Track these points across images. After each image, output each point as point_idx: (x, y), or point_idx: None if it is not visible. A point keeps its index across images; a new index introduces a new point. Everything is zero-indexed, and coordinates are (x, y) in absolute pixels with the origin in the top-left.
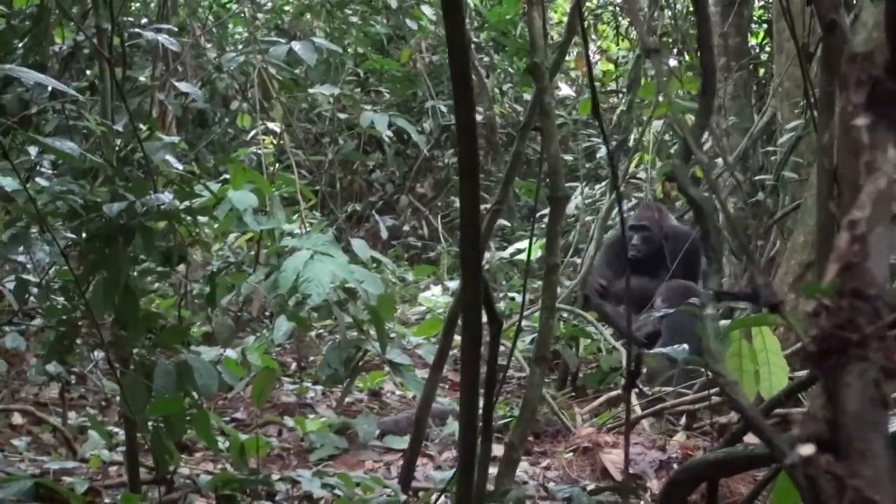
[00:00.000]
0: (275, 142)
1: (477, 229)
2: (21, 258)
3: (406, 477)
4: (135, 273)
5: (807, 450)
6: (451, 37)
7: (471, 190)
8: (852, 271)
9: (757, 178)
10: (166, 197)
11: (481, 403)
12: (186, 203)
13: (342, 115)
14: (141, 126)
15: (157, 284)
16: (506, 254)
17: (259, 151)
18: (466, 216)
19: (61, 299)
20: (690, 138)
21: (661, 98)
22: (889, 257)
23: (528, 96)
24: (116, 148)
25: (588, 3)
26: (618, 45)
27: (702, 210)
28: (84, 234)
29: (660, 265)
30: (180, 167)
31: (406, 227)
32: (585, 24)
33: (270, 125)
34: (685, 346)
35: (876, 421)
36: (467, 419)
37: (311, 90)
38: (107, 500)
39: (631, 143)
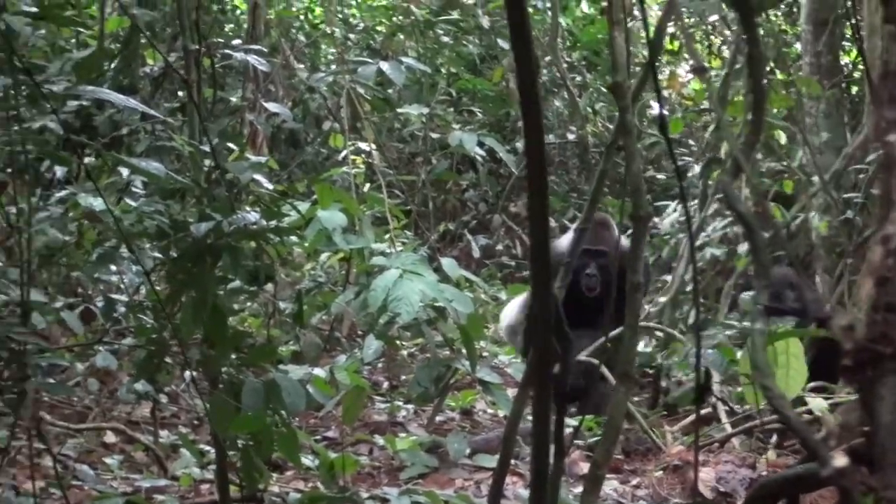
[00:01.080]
0: (366, 161)
1: (546, 246)
2: (114, 278)
3: (494, 495)
4: (223, 292)
5: (841, 461)
6: (520, 57)
7: (540, 207)
8: (886, 286)
9: (846, 195)
10: (253, 216)
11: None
12: (274, 222)
13: (434, 135)
14: (231, 146)
15: (248, 304)
16: None
17: (350, 171)
18: (536, 233)
19: (151, 318)
20: (739, 154)
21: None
22: None
23: None
24: (205, 168)
25: (681, 22)
26: (710, 63)
27: (750, 225)
28: (172, 254)
29: (606, 304)
30: (270, 186)
31: (499, 247)
32: (678, 43)
33: (361, 145)
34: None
35: None
36: (538, 437)
37: (400, 110)
38: None
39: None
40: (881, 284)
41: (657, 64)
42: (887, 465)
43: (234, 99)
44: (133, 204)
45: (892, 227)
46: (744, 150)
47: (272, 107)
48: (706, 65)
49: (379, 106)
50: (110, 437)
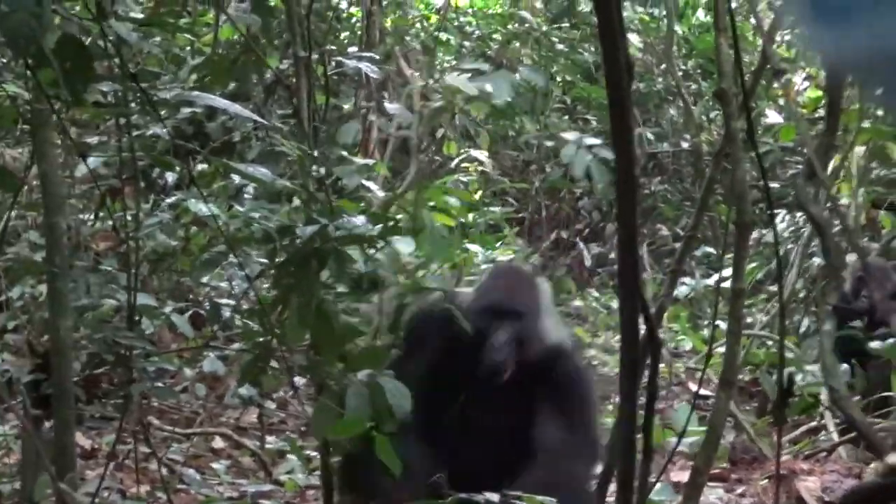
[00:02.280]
0: (479, 169)
1: (634, 247)
2: (223, 284)
3: (600, 499)
4: (330, 297)
5: (893, 459)
6: (609, 61)
7: (628, 208)
8: None
9: None
10: (360, 220)
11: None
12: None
13: (549, 143)
14: (344, 153)
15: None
16: (710, 281)
17: (464, 179)
18: (624, 233)
19: (257, 324)
20: (814, 157)
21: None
22: None
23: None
24: (313, 173)
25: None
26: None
27: (821, 226)
28: (278, 259)
29: (529, 392)
30: (380, 193)
31: (612, 255)
32: (795, 50)
33: (475, 153)
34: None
35: None
36: (625, 437)
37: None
38: None
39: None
40: None
41: (770, 69)
42: None
43: (346, 106)
44: (241, 209)
45: None
46: (818, 152)
47: (391, 108)
48: (785, 67)
49: (497, 115)
50: (218, 443)
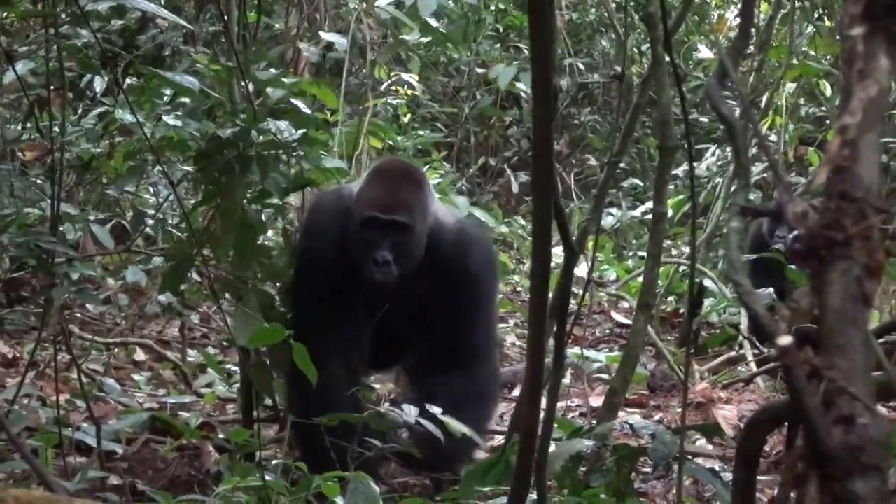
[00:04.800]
0: (409, 93)
1: (550, 150)
2: (150, 199)
3: (515, 422)
4: (254, 207)
5: (784, 340)
6: None
7: (543, 117)
8: (841, 174)
9: (883, 140)
10: (282, 124)
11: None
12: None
13: (480, 70)
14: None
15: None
16: (637, 212)
17: (393, 102)
18: (539, 140)
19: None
20: (727, 60)
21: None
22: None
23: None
24: (241, 90)
25: None
26: (759, 7)
27: (732, 126)
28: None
29: (420, 292)
30: (306, 109)
31: None
32: None
33: (406, 77)
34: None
35: (856, 317)
36: (534, 347)
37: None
38: (220, 436)
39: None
40: (836, 173)
41: (705, 4)
42: (832, 346)
43: (277, 25)
44: (169, 121)
45: (849, 118)
46: (731, 54)
47: (328, 36)
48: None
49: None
50: (139, 355)
